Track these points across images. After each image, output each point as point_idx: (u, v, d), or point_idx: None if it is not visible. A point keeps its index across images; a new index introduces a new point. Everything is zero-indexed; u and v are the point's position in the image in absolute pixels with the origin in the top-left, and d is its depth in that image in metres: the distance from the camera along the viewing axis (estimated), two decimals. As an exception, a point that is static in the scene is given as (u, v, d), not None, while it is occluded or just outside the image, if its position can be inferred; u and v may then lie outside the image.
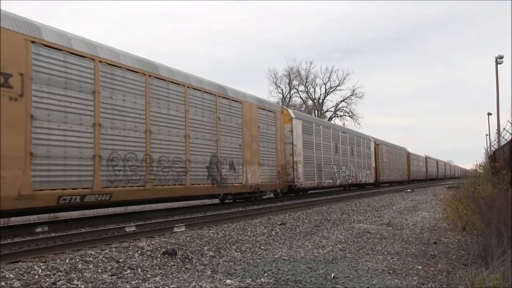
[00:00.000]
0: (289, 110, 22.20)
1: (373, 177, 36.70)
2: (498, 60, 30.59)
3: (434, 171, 73.28)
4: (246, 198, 18.21)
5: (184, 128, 13.92)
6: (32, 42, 9.46)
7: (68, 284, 5.34)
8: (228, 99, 16.49)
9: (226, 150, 16.01)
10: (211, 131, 15.21)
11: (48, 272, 5.79)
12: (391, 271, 6.32)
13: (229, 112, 16.51)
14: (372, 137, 38.56)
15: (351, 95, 57.99)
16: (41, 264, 6.21)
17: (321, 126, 25.89)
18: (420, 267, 6.70)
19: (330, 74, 60.49)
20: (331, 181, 26.45)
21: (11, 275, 5.55)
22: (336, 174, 27.58)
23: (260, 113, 18.82)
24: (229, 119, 16.44)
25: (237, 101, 17.12)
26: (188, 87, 14.24)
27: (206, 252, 7.66)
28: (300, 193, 23.39)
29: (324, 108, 59.62)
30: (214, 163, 15.13)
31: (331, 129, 27.78)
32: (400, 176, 46.74)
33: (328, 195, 24.97)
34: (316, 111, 57.93)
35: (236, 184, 16.42)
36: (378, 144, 38.80)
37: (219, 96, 15.89)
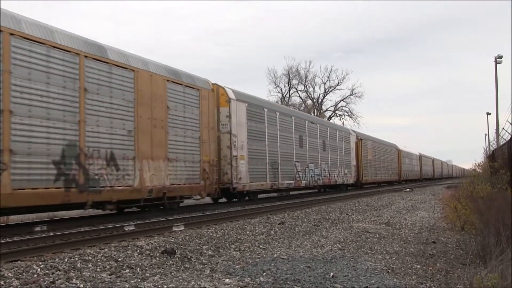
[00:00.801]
0: (227, 89, 16.70)
1: (354, 177, 31.85)
2: (497, 60, 30.59)
3: (429, 171, 68.98)
4: (144, 207, 13.18)
5: (-1, 101, 8.76)
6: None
7: (67, 283, 5.34)
8: (107, 63, 11.36)
9: (102, 138, 11.02)
10: (64, 107, 10.08)
11: (47, 271, 5.79)
12: (390, 271, 6.33)
13: (109, 82, 11.36)
14: (354, 131, 34.76)
15: (350, 95, 57.98)
16: (40, 263, 6.20)
17: (277, 113, 20.69)
18: (418, 266, 6.71)
19: (329, 74, 60.33)
20: (292, 182, 21.44)
21: (10, 274, 5.55)
22: (301, 173, 22.64)
23: (172, 88, 13.60)
24: (108, 93, 11.28)
25: (126, 68, 11.96)
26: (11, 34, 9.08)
27: (205, 251, 7.66)
28: (246, 198, 18.41)
29: (324, 108, 59.65)
30: (73, 157, 10.17)
31: (293, 117, 22.51)
32: (389, 176, 42.56)
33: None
34: (315, 111, 57.93)
35: (120, 188, 11.39)
36: (361, 139, 34.20)
37: (87, 57, 10.76)
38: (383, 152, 40.86)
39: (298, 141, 22.64)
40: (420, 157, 60.83)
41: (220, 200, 17.86)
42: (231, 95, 16.80)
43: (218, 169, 15.91)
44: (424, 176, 62.93)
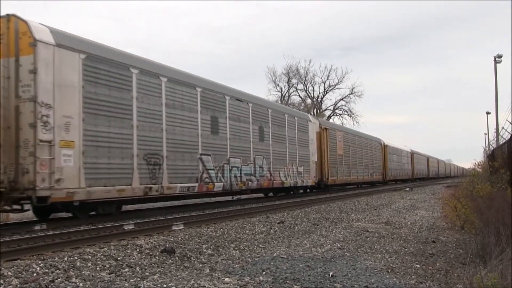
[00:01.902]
0: (33, 25, 9.82)
1: (314, 177, 24.18)
2: (497, 59, 30.59)
3: (423, 170, 62.01)
4: None
5: None
6: None
7: (67, 282, 5.34)
8: None
9: None
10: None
11: (47, 270, 5.78)
12: (389, 270, 6.33)
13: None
14: (316, 118, 28.47)
15: (349, 94, 57.98)
16: (40, 262, 6.20)
17: (164, 80, 13.26)
18: (418, 265, 6.71)
19: (329, 73, 60.30)
20: (194, 184, 14.22)
21: (9, 273, 5.55)
22: (213, 171, 15.28)
23: None
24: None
25: None
26: None
27: (205, 250, 7.66)
28: (73, 213, 11.19)
29: (323, 107, 59.68)
30: None
31: (199, 90, 14.92)
32: (369, 176, 35.80)
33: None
34: (315, 110, 57.94)
35: None
36: (326, 128, 26.60)
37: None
38: (361, 146, 33.91)
39: (208, 125, 15.24)
40: (412, 154, 54.69)
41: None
42: (41, 35, 9.78)
43: (16, 163, 9.42)
44: (417, 176, 56.45)
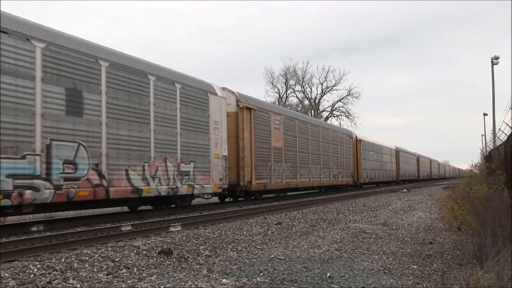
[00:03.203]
0: None
1: (220, 181, 15.72)
2: (494, 61, 30.70)
3: (411, 170, 54.76)
4: None
5: None
6: None
7: (64, 283, 5.33)
8: None
9: None
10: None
11: (44, 271, 5.78)
12: (386, 271, 6.34)
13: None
14: (233, 92, 17.73)
15: (347, 95, 58.09)
16: (37, 263, 6.19)
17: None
18: (415, 266, 6.73)
19: (326, 74, 60.51)
20: None
21: (6, 274, 5.54)
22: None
23: None
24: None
25: None
26: None
27: (202, 251, 7.66)
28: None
29: (321, 108, 59.75)
30: None
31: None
32: (332, 178, 27.37)
33: None
34: (312, 111, 58.00)
35: None
36: (250, 108, 18.09)
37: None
38: (317, 139, 25.41)
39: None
40: (397, 152, 46.95)
41: None
42: None
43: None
44: (403, 177, 49.38)
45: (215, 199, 18.13)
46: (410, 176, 53.84)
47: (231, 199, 18.78)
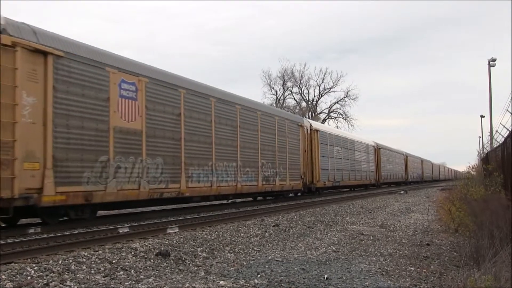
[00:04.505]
0: None
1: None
2: (491, 62, 30.80)
3: (397, 172, 47.30)
4: None
5: None
6: None
7: (61, 285, 5.32)
8: None
9: None
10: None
11: (41, 273, 5.76)
12: (384, 273, 6.35)
13: None
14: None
15: (344, 97, 58.20)
16: (34, 265, 6.18)
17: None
18: (412, 268, 6.74)
19: (324, 76, 60.65)
20: None
21: (3, 276, 5.52)
22: None
23: None
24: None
25: None
26: None
27: (200, 253, 7.65)
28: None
29: (318, 110, 59.84)
30: None
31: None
32: (258, 181, 18.24)
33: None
34: (310, 113, 58.07)
35: None
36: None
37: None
38: (224, 121, 16.26)
39: None
40: (377, 149, 39.35)
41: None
42: None
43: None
44: (386, 180, 41.68)
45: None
46: (396, 178, 46.35)
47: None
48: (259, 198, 21.38)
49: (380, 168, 39.84)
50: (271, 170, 19.71)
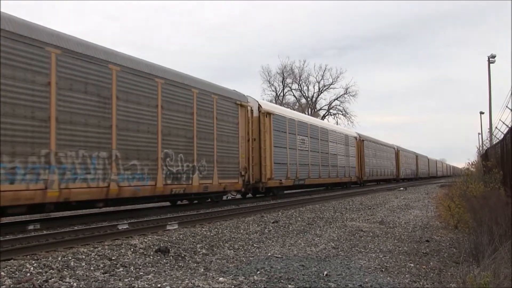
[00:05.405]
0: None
1: None
2: (490, 59, 30.75)
3: (386, 167, 41.78)
4: None
5: None
6: None
7: (60, 281, 5.32)
8: None
9: None
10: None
11: (40, 270, 5.76)
12: (383, 269, 6.35)
13: None
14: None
15: (344, 94, 58.17)
16: (33, 261, 6.18)
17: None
18: (412, 265, 6.74)
19: (323, 72, 60.51)
20: None
21: (2, 273, 5.52)
22: None
23: None
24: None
25: None
26: None
27: (199, 250, 7.65)
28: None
29: (318, 107, 59.80)
30: None
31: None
32: (150, 184, 12.20)
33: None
34: (309, 110, 58.04)
35: None
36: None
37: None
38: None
39: None
40: (360, 140, 34.43)
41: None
42: None
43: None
44: (371, 177, 36.49)
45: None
46: (384, 175, 40.96)
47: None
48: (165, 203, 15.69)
49: (364, 163, 34.12)
50: (184, 164, 13.99)
